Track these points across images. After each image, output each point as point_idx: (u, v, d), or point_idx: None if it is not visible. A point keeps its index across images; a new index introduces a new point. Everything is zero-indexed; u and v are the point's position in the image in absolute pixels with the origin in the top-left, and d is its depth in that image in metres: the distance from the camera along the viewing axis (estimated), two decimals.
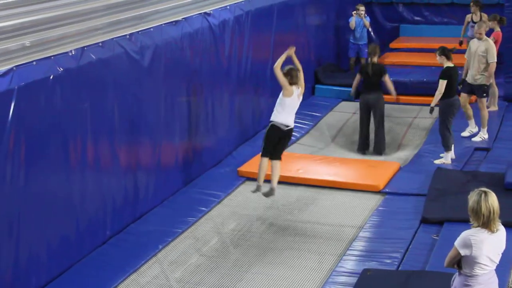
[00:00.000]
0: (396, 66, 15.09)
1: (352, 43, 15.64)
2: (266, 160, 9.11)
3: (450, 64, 10.54)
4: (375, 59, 11.80)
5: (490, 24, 12.76)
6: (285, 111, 8.98)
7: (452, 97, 10.51)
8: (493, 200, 5.37)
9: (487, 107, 12.82)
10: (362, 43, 15.55)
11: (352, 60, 15.89)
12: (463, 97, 11.48)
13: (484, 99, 11.53)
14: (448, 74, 10.44)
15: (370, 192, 9.94)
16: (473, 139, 11.50)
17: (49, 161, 7.41)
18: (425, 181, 9.90)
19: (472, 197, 5.41)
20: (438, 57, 10.61)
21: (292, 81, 8.92)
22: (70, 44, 7.80)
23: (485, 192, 5.39)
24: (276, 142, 9.06)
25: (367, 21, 15.40)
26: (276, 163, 9.11)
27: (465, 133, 11.64)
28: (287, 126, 9.01)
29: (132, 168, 8.91)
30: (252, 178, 10.38)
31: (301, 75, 9.06)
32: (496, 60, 11.37)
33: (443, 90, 10.42)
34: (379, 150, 11.86)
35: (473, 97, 11.91)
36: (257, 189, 9.14)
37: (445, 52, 10.54)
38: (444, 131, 10.66)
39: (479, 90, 11.46)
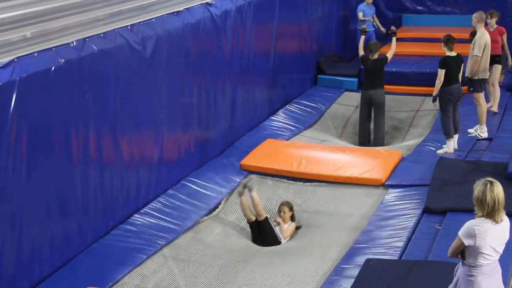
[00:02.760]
0: (398, 56, 15.03)
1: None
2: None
3: (451, 53, 10.53)
4: (376, 56, 12.08)
5: (489, 21, 12.48)
6: None
7: (450, 85, 10.49)
8: (498, 190, 5.36)
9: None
10: (371, 30, 15.61)
11: None
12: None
13: (476, 94, 11.10)
14: (445, 63, 10.46)
15: (373, 182, 9.90)
16: (469, 130, 11.38)
17: (51, 153, 7.40)
18: (428, 171, 9.89)
19: (477, 187, 5.40)
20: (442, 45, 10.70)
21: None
22: (72, 35, 7.77)
23: (491, 182, 5.37)
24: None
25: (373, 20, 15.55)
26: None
27: (471, 130, 11.38)
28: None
29: (135, 160, 8.89)
30: (254, 172, 10.36)
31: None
32: (479, 55, 10.84)
33: (442, 79, 10.45)
34: (379, 143, 12.06)
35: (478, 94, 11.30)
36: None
37: (445, 41, 10.54)
38: (444, 119, 10.67)
39: (467, 83, 11.20)
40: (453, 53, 10.56)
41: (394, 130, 12.48)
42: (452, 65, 10.49)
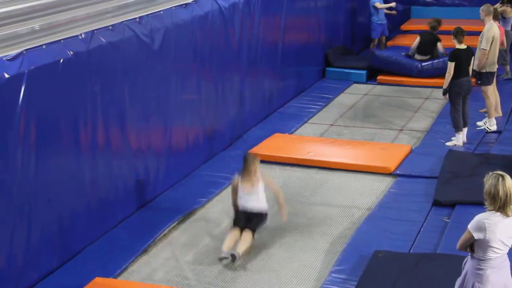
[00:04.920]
0: (407, 48, 15.00)
1: (377, 23, 15.58)
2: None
3: (461, 46, 10.49)
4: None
5: (501, 11, 12.39)
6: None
7: (459, 78, 10.46)
8: (510, 184, 5.32)
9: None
10: (385, 23, 15.63)
11: (375, 41, 15.83)
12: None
13: (484, 87, 11.11)
14: (454, 56, 10.42)
15: (382, 174, 9.92)
16: (478, 123, 11.38)
17: (60, 145, 7.42)
18: (436, 163, 9.88)
19: (488, 181, 5.36)
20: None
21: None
22: (80, 28, 7.79)
23: (502, 176, 5.33)
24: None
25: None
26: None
27: (480, 123, 11.39)
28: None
29: (143, 151, 8.91)
30: (262, 161, 10.38)
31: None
32: (487, 48, 10.82)
33: (451, 72, 10.41)
34: None
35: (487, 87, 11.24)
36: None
37: (454, 33, 10.50)
38: (453, 112, 10.64)
39: (475, 76, 11.15)
40: (463, 46, 10.52)
41: (400, 120, 12.42)
42: (462, 57, 10.45)
